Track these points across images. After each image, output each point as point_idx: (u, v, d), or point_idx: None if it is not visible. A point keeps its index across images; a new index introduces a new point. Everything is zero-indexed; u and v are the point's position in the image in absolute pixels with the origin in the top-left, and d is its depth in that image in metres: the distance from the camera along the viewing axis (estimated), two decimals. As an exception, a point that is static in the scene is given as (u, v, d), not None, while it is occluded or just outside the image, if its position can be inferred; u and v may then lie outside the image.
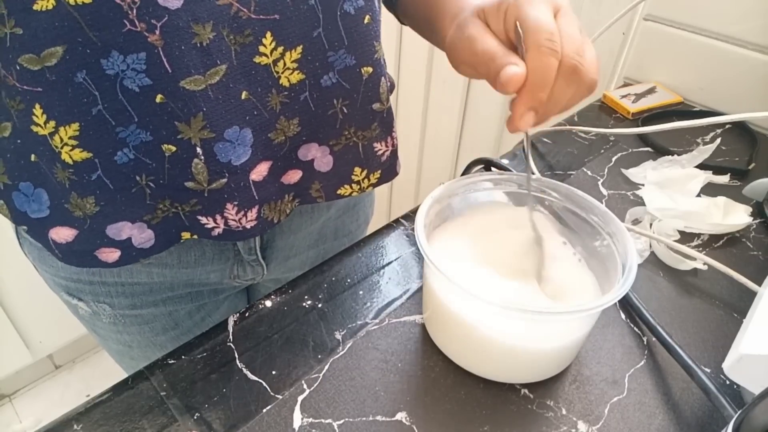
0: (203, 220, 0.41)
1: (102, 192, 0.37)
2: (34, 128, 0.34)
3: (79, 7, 0.30)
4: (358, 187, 0.48)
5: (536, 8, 0.32)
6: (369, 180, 0.49)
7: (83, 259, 0.40)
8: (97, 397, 0.35)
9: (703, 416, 0.36)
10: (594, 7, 0.89)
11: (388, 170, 0.50)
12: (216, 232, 0.41)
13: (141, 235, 0.40)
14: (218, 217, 0.40)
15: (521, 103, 0.33)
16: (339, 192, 0.48)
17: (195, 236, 0.42)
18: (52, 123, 0.34)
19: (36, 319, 1.36)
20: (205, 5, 0.33)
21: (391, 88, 0.57)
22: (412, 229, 0.51)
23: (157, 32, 0.32)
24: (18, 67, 0.32)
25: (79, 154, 0.36)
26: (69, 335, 1.46)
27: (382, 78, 0.44)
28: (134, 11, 0.31)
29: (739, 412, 0.26)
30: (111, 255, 0.40)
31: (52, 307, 1.33)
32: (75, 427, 0.34)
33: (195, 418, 0.34)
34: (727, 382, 0.38)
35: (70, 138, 0.35)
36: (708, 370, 0.38)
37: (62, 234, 0.39)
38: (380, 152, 0.48)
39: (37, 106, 0.34)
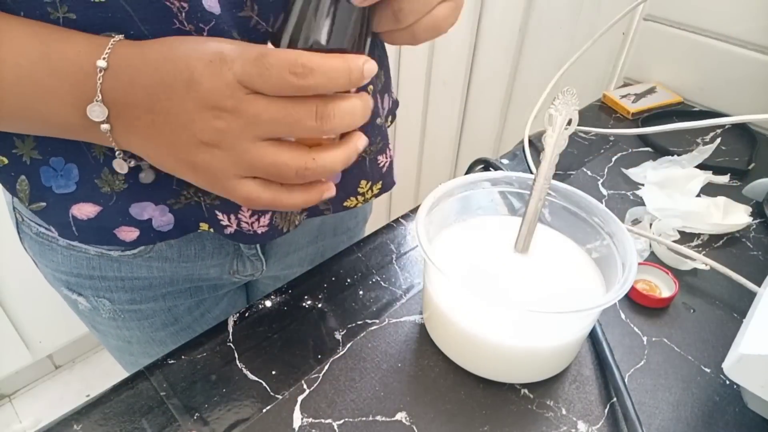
0: (220, 215, 0.41)
1: (133, 170, 0.38)
2: None
3: (131, 2, 0.31)
4: (363, 198, 0.50)
5: None
6: (372, 191, 0.50)
7: (102, 237, 0.41)
8: (97, 397, 0.35)
9: (703, 416, 0.36)
10: (594, 7, 0.89)
11: (388, 180, 0.52)
12: (229, 230, 0.42)
13: (162, 217, 0.41)
14: (233, 216, 0.41)
15: None
16: (345, 204, 0.49)
17: (212, 230, 0.43)
18: None
19: (36, 319, 1.36)
20: (230, 15, 0.34)
21: (395, 105, 0.57)
22: (413, 229, 0.51)
23: (205, 35, 0.33)
24: None
25: None
26: (69, 335, 1.46)
27: (384, 94, 0.46)
28: (183, 14, 0.32)
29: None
30: (130, 234, 0.41)
31: (52, 307, 1.34)
32: (75, 427, 0.34)
33: (195, 418, 0.34)
34: (727, 382, 0.38)
35: None
36: (708, 370, 0.38)
37: (85, 210, 0.39)
38: (381, 164, 0.50)
39: None
